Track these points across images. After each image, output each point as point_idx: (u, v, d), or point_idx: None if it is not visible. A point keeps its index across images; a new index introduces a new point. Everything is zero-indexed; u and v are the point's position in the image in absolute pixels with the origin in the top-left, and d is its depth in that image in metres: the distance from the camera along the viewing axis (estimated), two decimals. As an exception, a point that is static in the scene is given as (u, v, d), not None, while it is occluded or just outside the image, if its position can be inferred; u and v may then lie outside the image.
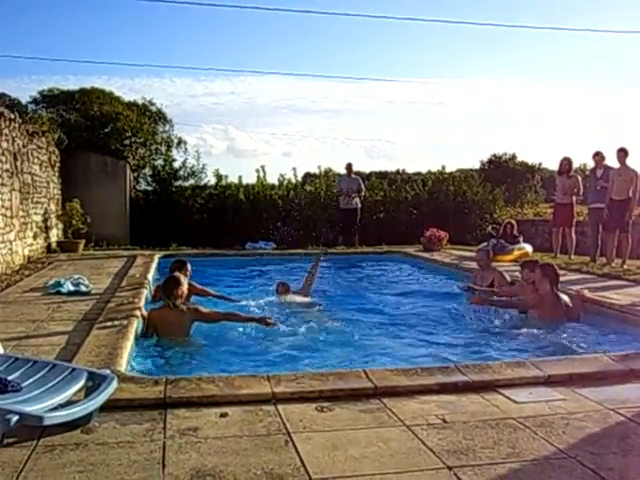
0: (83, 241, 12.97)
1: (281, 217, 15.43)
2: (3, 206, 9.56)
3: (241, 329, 5.95)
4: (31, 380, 3.26)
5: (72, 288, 7.29)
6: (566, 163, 11.39)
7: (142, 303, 6.42)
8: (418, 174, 21.52)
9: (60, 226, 13.52)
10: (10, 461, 2.81)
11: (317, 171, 17.19)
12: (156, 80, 51.23)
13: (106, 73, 56.88)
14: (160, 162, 16.75)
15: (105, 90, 18.62)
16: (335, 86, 70.57)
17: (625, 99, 58.74)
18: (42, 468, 2.76)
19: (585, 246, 11.49)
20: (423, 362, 4.82)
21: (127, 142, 16.34)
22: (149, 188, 16.58)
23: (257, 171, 16.41)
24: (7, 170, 9.84)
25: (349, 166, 14.65)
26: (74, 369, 3.49)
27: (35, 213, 11.69)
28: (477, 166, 33.02)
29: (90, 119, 15.97)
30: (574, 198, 11.31)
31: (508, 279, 7.80)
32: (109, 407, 3.37)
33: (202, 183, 16.31)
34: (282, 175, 16.66)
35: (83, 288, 7.35)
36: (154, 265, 9.93)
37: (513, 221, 12.65)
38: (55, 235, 13.17)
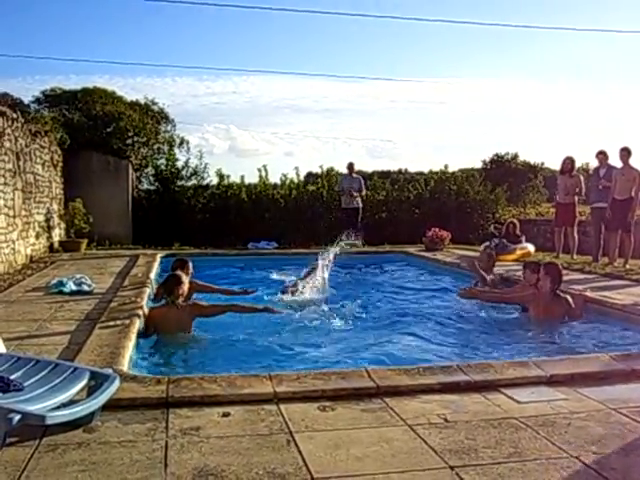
0: (85, 241, 12.99)
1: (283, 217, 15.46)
2: (6, 206, 9.58)
3: (243, 329, 5.96)
4: (33, 379, 3.26)
5: (74, 287, 7.30)
6: (569, 162, 11.37)
7: (144, 302, 6.42)
8: (420, 174, 21.51)
9: (62, 226, 13.54)
10: (12, 460, 2.81)
11: (319, 171, 17.21)
12: (158, 80, 51.48)
13: (108, 72, 56.96)
14: (162, 162, 16.77)
15: (107, 90, 18.63)
16: (337, 86, 70.62)
17: (629, 98, 58.68)
18: (44, 467, 2.77)
19: (587, 246, 11.47)
20: (425, 362, 4.81)
21: (129, 142, 16.36)
22: (151, 188, 16.62)
23: (259, 170, 16.46)
24: (10, 170, 9.86)
25: (351, 165, 14.66)
26: (76, 368, 3.50)
27: (38, 213, 11.71)
28: (479, 166, 33.05)
29: (92, 119, 15.98)
30: (576, 198, 11.29)
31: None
32: (111, 406, 3.37)
33: (204, 183, 16.35)
34: (284, 175, 16.71)
35: (85, 287, 7.36)
36: (156, 265, 9.94)
37: (515, 221, 12.65)
38: (57, 235, 13.19)
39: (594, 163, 11.75)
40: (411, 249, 13.08)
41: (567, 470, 2.80)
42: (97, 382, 3.39)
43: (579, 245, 11.36)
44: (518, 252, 11.20)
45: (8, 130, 9.88)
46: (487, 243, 11.25)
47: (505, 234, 11.91)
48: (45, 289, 7.47)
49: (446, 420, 3.38)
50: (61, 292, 7.17)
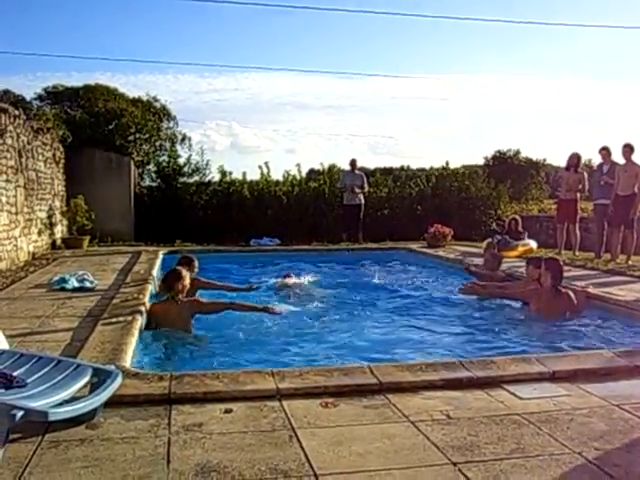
0: (88, 237, 12.99)
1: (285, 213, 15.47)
2: (8, 202, 9.59)
3: (245, 325, 5.96)
4: (36, 376, 3.26)
5: (77, 284, 7.31)
6: (575, 158, 11.35)
7: (147, 299, 6.43)
8: (422, 170, 21.49)
9: (65, 222, 13.55)
10: (15, 456, 2.82)
11: (321, 167, 17.19)
12: (160, 77, 51.43)
13: (110, 70, 57.16)
14: (164, 158, 16.79)
15: (109, 86, 18.60)
16: (339, 82, 70.47)
17: (633, 94, 58.52)
18: (47, 463, 2.77)
19: (590, 242, 11.45)
20: (427, 358, 4.82)
21: (131, 138, 16.35)
22: (153, 184, 16.63)
23: (261, 167, 16.46)
24: (12, 167, 9.87)
25: (353, 162, 14.65)
26: (79, 365, 3.50)
27: (40, 210, 11.72)
28: (481, 162, 33.00)
29: (94, 115, 15.98)
30: (578, 194, 11.27)
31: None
32: (114, 403, 3.37)
33: (206, 179, 16.35)
34: (286, 171, 16.71)
35: (88, 284, 7.37)
36: (158, 261, 9.95)
37: (517, 217, 12.62)
38: (60, 231, 13.20)
39: (596, 160, 11.74)
40: (413, 246, 13.07)
41: (569, 466, 2.79)
42: (100, 379, 3.39)
43: (581, 241, 11.35)
44: (520, 249, 11.18)
45: (10, 127, 9.88)
46: (489, 240, 11.22)
47: (507, 231, 11.90)
48: (47, 286, 7.48)
49: (448, 416, 3.38)
50: (63, 289, 7.18)
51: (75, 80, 40.12)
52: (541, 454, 2.92)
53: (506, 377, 3.99)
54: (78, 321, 5.54)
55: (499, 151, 35.17)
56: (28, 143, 10.96)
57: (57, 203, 13.20)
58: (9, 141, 9.79)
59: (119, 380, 3.41)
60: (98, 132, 15.46)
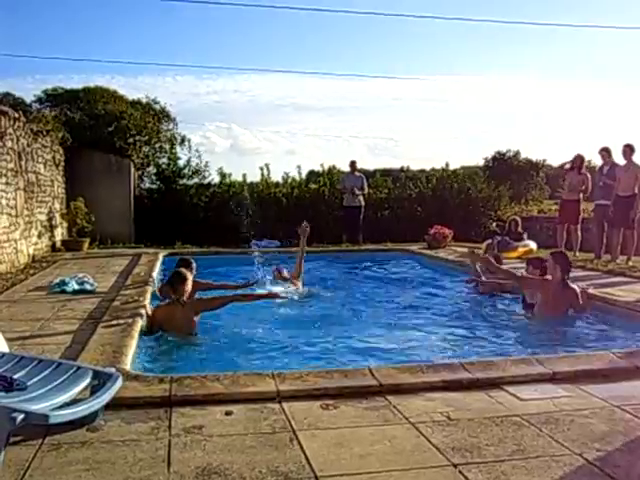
0: (88, 240, 12.99)
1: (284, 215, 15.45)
2: (8, 205, 9.59)
3: (245, 327, 5.96)
4: (36, 379, 3.26)
5: (77, 287, 7.30)
6: (579, 159, 11.35)
7: (147, 301, 6.42)
8: (422, 171, 21.47)
9: (65, 225, 13.54)
10: (16, 459, 2.82)
11: (321, 169, 17.16)
12: (159, 79, 51.50)
13: (109, 72, 57.20)
14: (164, 160, 16.77)
15: (109, 89, 18.61)
16: (339, 84, 70.57)
17: (633, 95, 58.57)
18: (48, 466, 2.78)
19: (590, 243, 11.45)
20: (428, 359, 4.82)
21: (131, 140, 16.32)
22: (153, 186, 16.59)
23: (261, 169, 16.44)
24: (12, 169, 9.87)
25: (353, 164, 14.64)
26: (79, 368, 3.50)
27: (40, 212, 11.71)
28: (481, 163, 33.02)
29: (94, 118, 15.96)
30: (581, 195, 11.28)
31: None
32: (114, 405, 3.37)
33: (206, 181, 16.33)
34: (286, 173, 16.69)
35: (88, 287, 7.36)
36: (159, 263, 9.95)
37: (517, 218, 12.63)
38: (60, 234, 13.20)
39: (597, 161, 11.75)
40: (413, 247, 13.06)
41: (570, 467, 2.79)
42: (100, 381, 3.39)
43: (581, 242, 11.35)
44: (520, 250, 11.18)
45: (10, 129, 9.88)
46: (489, 241, 11.21)
47: (507, 231, 11.90)
48: (47, 288, 7.47)
49: (449, 418, 3.38)
50: (64, 291, 7.18)
51: (75, 82, 40.06)
52: (542, 455, 2.92)
53: (507, 378, 3.99)
54: (78, 324, 5.54)
55: (499, 152, 35.20)
56: (28, 145, 10.96)
57: (57, 205, 13.20)
58: (9, 144, 9.79)
59: (119, 383, 3.41)
60: (98, 134, 15.44)
